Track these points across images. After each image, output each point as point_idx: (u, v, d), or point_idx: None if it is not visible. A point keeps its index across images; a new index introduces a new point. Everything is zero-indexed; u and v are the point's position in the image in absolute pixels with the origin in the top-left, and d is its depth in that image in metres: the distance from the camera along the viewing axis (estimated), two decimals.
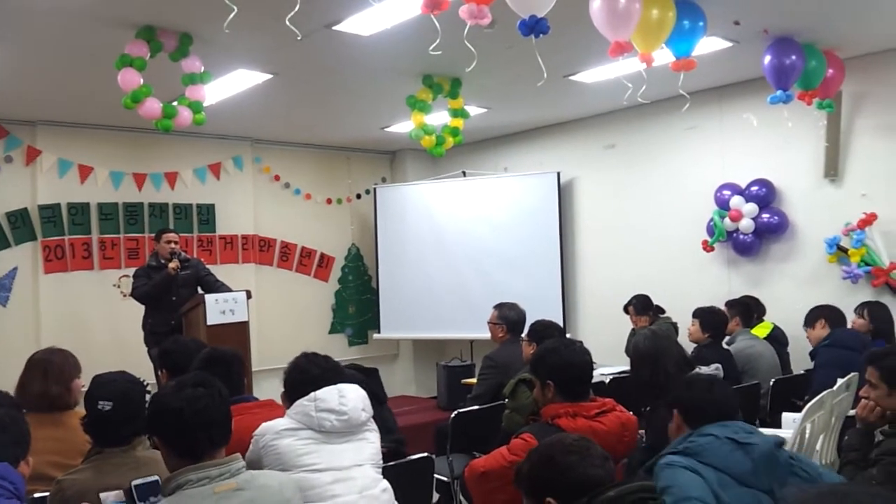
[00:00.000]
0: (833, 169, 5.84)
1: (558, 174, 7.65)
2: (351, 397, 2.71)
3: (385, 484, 2.71)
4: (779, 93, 5.05)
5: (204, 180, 7.70)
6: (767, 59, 5.09)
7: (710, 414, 2.43)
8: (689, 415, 2.50)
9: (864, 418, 2.90)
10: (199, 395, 2.16)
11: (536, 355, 3.04)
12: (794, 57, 5.04)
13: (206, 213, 7.69)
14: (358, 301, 8.83)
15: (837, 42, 5.29)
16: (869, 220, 5.53)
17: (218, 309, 5.39)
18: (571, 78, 6.01)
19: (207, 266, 6.28)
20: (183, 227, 7.38)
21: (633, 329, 5.86)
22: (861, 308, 5.06)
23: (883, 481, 2.56)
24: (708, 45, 5.08)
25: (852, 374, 3.92)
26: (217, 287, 5.86)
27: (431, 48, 3.64)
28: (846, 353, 4.34)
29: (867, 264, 5.55)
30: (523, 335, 4.55)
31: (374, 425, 2.82)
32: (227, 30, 3.75)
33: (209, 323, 5.33)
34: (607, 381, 4.94)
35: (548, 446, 2.12)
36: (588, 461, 2.02)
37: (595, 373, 5.34)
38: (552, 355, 2.93)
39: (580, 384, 2.91)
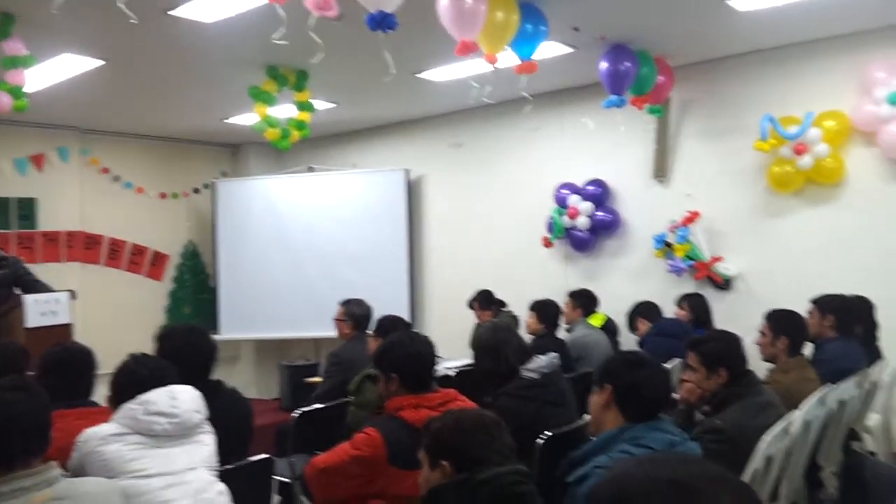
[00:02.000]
0: (661, 170, 6.24)
1: (407, 171, 7.68)
2: (183, 399, 2.57)
3: (221, 486, 2.59)
4: (613, 97, 5.30)
5: (24, 172, 7.13)
6: (604, 64, 5.32)
7: (647, 404, 2.40)
8: (625, 400, 2.41)
9: (686, 400, 3.11)
10: (13, 400, 2.00)
11: (380, 349, 3.03)
12: (627, 63, 5.31)
13: (27, 208, 7.12)
14: (194, 301, 8.46)
15: (668, 50, 5.61)
16: (692, 217, 5.94)
17: (38, 310, 4.98)
18: (420, 76, 6.05)
19: (27, 265, 5.78)
20: (0, 222, 6.79)
21: (477, 323, 5.99)
22: (682, 300, 5.45)
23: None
24: (549, 49, 5.24)
25: (676, 360, 4.19)
26: (37, 287, 5.40)
27: (275, 37, 3.53)
28: (670, 341, 4.64)
29: (690, 259, 5.95)
30: (370, 331, 4.52)
31: (209, 427, 2.69)
32: (54, 11, 3.47)
33: (28, 325, 4.91)
34: (454, 374, 5.01)
35: (466, 417, 2.15)
36: (494, 447, 2.05)
37: (442, 366, 5.43)
38: (395, 348, 2.93)
39: (423, 376, 2.92)
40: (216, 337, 7.96)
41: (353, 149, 8.33)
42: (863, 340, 4.42)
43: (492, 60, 4.23)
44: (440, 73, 6.01)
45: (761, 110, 5.52)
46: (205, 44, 5.02)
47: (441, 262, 7.69)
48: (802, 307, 4.28)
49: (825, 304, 4.23)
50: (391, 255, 7.62)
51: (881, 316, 4.67)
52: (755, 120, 5.51)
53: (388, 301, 6.23)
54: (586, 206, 6.46)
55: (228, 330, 8.08)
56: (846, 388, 3.72)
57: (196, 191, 8.50)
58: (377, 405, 3.31)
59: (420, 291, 7.77)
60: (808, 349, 4.04)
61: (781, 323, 3.75)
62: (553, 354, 3.65)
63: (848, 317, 4.25)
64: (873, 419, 4.60)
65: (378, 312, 4.70)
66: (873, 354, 4.46)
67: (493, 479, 1.97)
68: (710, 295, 5.79)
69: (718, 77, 6.01)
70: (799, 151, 5.40)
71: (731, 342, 3.13)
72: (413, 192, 7.77)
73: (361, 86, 6.30)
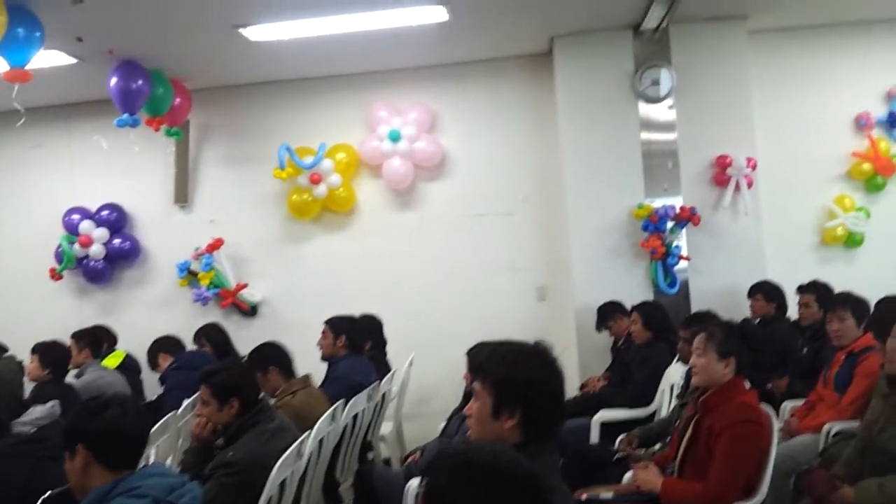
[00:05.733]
0: (183, 195, 6.05)
1: None
2: None
3: None
4: (125, 116, 4.98)
5: None
6: (113, 80, 4.99)
7: (129, 447, 2.16)
8: (103, 451, 2.10)
9: (198, 435, 2.98)
10: None
11: None
12: (140, 81, 5.04)
13: None
14: None
15: (184, 73, 5.48)
16: (216, 244, 5.87)
17: None
18: None
19: None
20: None
21: None
22: (198, 335, 5.16)
23: (215, 495, 2.63)
24: (51, 58, 4.76)
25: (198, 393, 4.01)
26: None
27: None
28: (193, 373, 4.42)
29: (216, 286, 5.86)
30: None
31: None
32: None
33: None
34: None
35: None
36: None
37: None
38: None
39: None
40: None
41: None
42: (373, 356, 4.79)
43: None
44: None
45: (280, 139, 5.71)
46: None
47: None
48: (321, 328, 4.48)
49: (337, 324, 4.46)
50: None
51: (389, 330, 5.12)
52: (274, 148, 5.66)
53: None
54: (100, 232, 5.98)
55: None
56: (359, 402, 3.96)
57: None
58: None
59: None
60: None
61: (260, 360, 3.78)
62: (52, 403, 3.21)
63: (358, 335, 4.55)
64: (387, 428, 5.02)
65: None
66: (383, 368, 4.86)
67: None
68: (237, 322, 5.77)
69: (239, 104, 6.08)
70: (315, 181, 5.69)
71: (243, 372, 3.09)
72: None
73: None
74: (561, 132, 5.47)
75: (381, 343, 5.05)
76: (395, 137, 5.69)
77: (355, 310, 4.92)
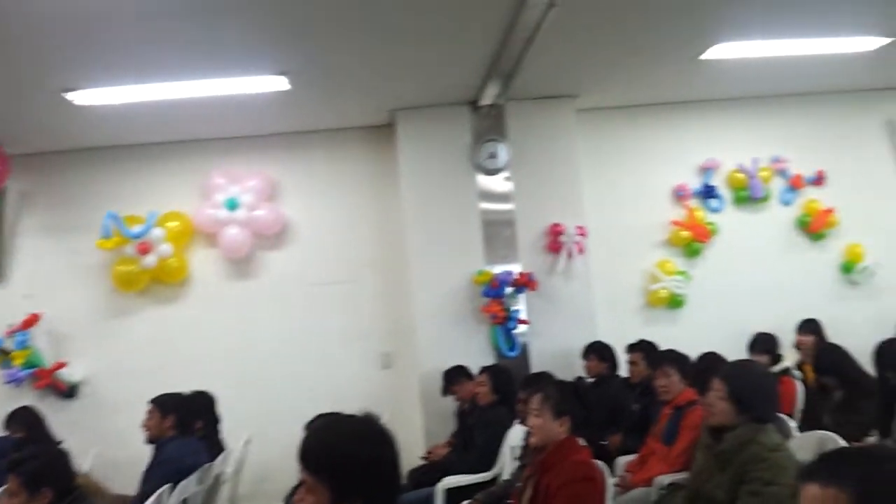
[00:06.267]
0: None
1: None
2: None
3: None
4: None
5: None
6: None
7: None
8: None
9: None
10: None
11: None
12: None
13: None
14: None
15: (4, 137, 5.09)
16: (32, 320, 5.42)
17: None
18: None
19: None
20: None
21: None
22: (8, 420, 4.71)
23: None
24: None
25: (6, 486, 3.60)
26: None
27: None
28: (1, 462, 3.98)
29: (32, 366, 5.37)
30: None
31: None
32: None
33: None
34: None
35: None
36: None
37: None
38: None
39: None
40: None
41: None
42: (206, 435, 4.49)
43: None
44: None
45: (106, 207, 5.42)
46: None
47: None
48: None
49: (164, 403, 4.14)
50: None
51: (224, 407, 4.82)
52: (100, 217, 5.36)
53: None
54: None
55: None
56: (188, 487, 3.70)
57: None
58: None
59: None
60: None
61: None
62: None
63: (188, 414, 4.24)
64: None
65: None
66: (216, 447, 4.57)
67: None
68: (54, 405, 5.30)
69: (64, 170, 5.74)
70: (143, 250, 5.41)
71: (54, 458, 2.82)
72: None
73: None
74: (403, 201, 5.53)
75: (213, 421, 4.73)
76: (232, 205, 5.54)
77: (187, 387, 4.63)
